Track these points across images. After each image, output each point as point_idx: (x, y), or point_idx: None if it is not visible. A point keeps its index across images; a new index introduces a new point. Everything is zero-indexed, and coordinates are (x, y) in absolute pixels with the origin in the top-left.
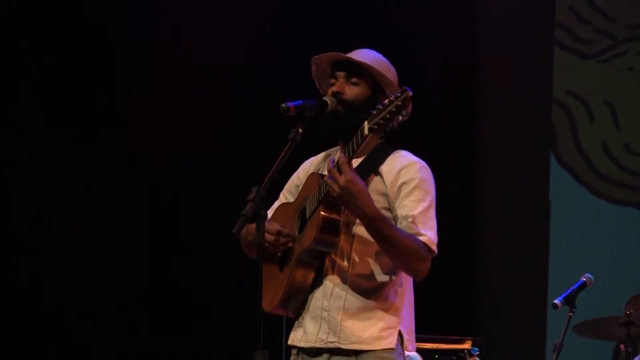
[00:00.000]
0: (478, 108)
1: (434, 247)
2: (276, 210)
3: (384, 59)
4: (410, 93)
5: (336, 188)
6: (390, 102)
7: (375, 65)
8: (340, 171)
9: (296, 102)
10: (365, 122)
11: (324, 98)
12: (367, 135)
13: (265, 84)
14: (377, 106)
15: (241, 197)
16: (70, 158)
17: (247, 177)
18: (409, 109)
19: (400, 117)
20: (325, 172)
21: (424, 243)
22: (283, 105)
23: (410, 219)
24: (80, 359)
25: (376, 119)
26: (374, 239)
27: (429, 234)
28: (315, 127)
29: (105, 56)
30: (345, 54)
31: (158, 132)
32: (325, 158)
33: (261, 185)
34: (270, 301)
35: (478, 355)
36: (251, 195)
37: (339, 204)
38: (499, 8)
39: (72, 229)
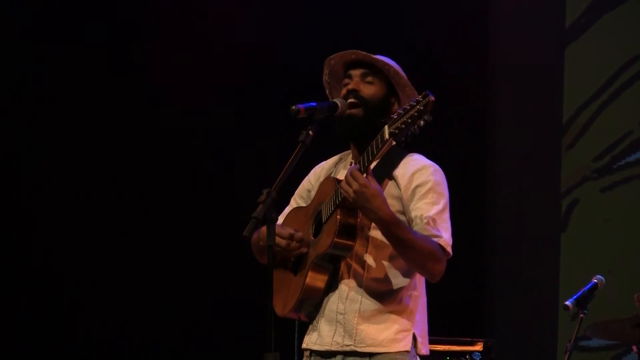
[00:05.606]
0: (490, 109)
1: (449, 249)
2: (288, 214)
3: (397, 65)
4: (432, 98)
5: (351, 193)
6: (412, 106)
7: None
8: (354, 176)
9: (307, 104)
10: (386, 127)
11: (334, 100)
12: (387, 140)
13: (276, 84)
14: (398, 110)
15: (252, 200)
16: (80, 149)
17: (257, 181)
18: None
19: (422, 122)
20: (340, 177)
21: (439, 245)
22: (293, 107)
23: (425, 221)
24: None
25: (397, 123)
26: (389, 242)
27: (444, 235)
28: (325, 130)
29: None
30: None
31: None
32: (337, 162)
33: (271, 187)
34: (283, 305)
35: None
36: (262, 198)
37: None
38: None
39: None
